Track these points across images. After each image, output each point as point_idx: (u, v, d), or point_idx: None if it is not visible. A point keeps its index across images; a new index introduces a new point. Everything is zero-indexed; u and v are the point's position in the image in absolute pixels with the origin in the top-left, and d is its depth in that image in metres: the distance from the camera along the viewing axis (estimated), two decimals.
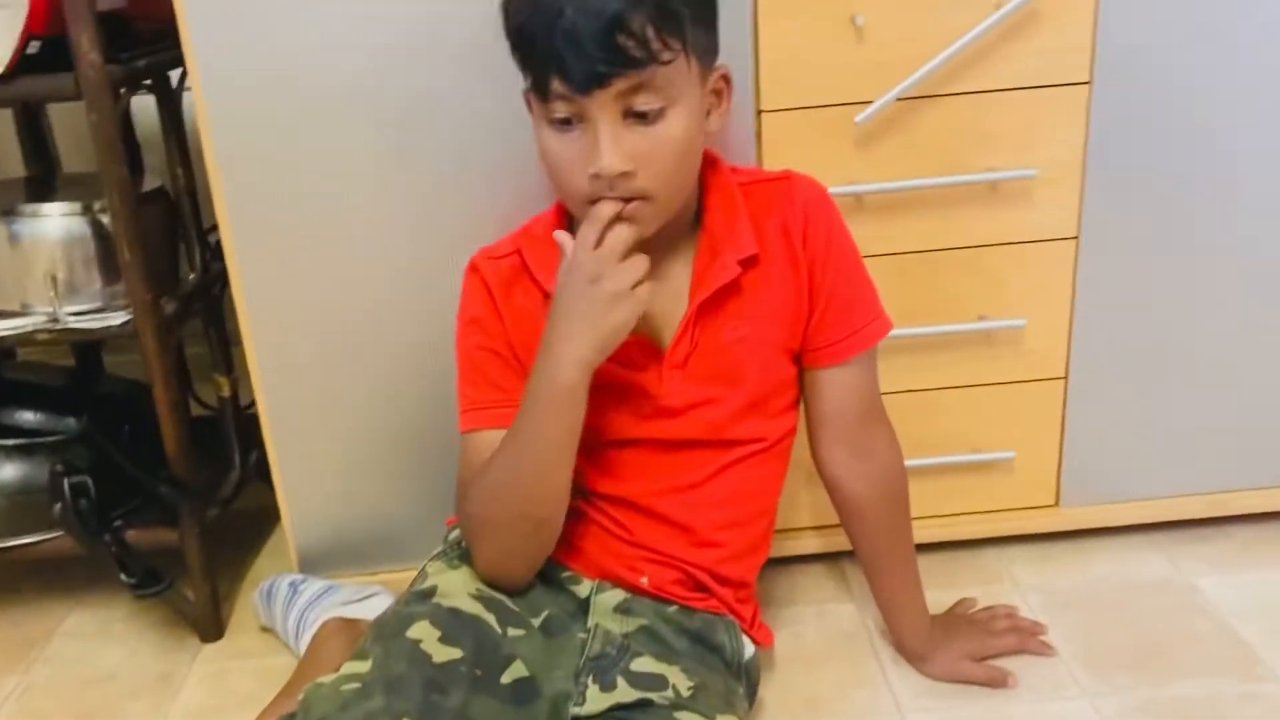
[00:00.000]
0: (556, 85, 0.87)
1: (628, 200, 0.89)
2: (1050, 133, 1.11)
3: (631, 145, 0.88)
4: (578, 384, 0.89)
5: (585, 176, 0.89)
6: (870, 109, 1.07)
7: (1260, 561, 1.24)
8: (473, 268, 1.01)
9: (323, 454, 1.20)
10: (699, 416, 0.99)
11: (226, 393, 1.34)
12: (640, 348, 0.98)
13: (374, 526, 1.23)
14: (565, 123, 0.89)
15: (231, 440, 1.35)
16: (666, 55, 0.86)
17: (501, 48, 0.94)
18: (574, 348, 0.88)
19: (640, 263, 0.89)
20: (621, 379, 0.98)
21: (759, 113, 1.10)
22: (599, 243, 0.89)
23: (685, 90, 0.89)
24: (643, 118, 0.88)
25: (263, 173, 1.09)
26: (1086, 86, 1.09)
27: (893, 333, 1.05)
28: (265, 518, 1.41)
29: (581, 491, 1.02)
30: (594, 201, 0.90)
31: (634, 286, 0.89)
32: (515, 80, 0.93)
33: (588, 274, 0.88)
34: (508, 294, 0.99)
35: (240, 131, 1.08)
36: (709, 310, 0.98)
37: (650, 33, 0.85)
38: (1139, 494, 1.26)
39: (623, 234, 0.89)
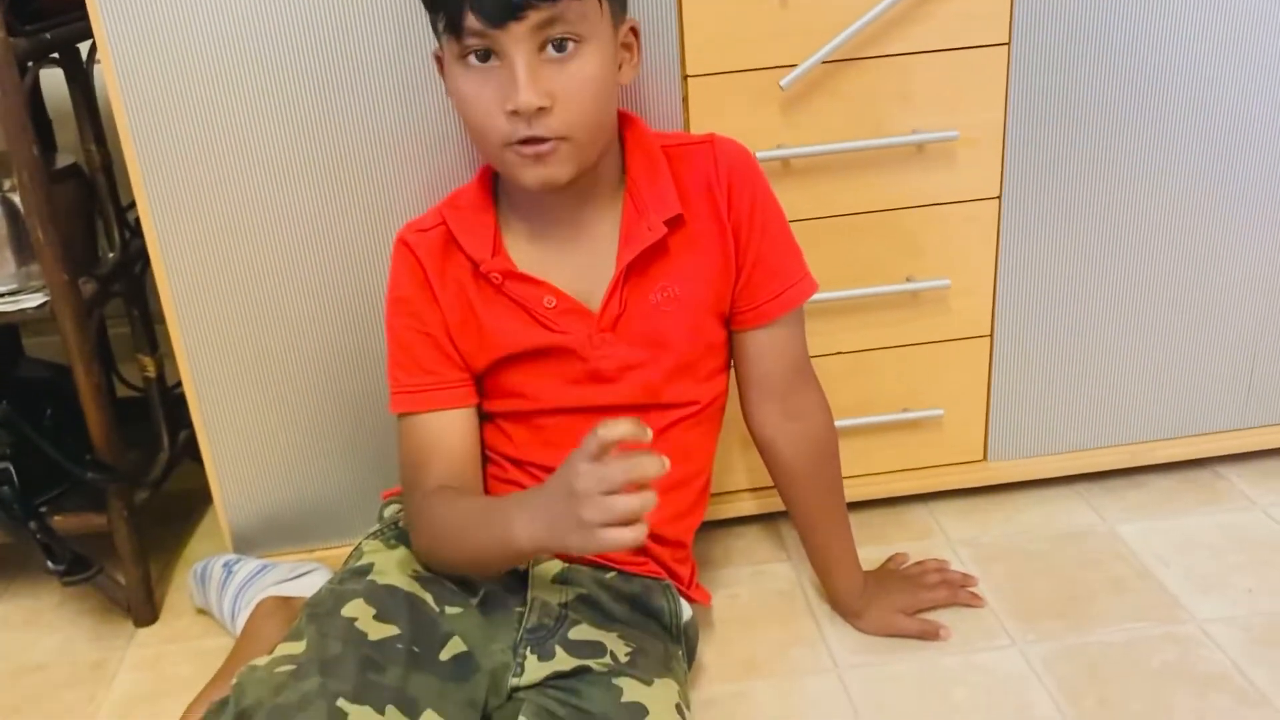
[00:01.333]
0: (470, 21, 0.86)
1: (544, 140, 0.88)
2: (972, 94, 1.12)
3: (548, 81, 0.87)
4: (527, 554, 0.89)
5: (502, 116, 0.88)
6: (794, 72, 1.08)
7: (1178, 509, 1.28)
8: (401, 243, 1.00)
9: (253, 432, 1.18)
10: (632, 380, 0.99)
11: (152, 373, 1.32)
12: (571, 311, 0.97)
13: (308, 503, 1.22)
14: (480, 58, 0.88)
15: (159, 421, 1.33)
16: None
17: (418, 14, 0.92)
18: (532, 532, 0.85)
19: (624, 505, 0.78)
20: (554, 344, 0.98)
21: (685, 77, 1.09)
22: (601, 454, 0.79)
23: (598, 30, 0.89)
24: (559, 50, 0.87)
25: (179, 146, 1.07)
26: (1005, 47, 1.11)
27: (821, 295, 1.07)
28: (197, 498, 1.39)
29: (518, 462, 1.02)
30: (513, 145, 0.89)
31: (610, 524, 0.78)
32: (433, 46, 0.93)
33: (573, 486, 0.79)
34: (440, 267, 0.98)
35: (154, 104, 1.05)
36: (636, 272, 0.98)
37: None
38: (1064, 447, 1.29)
39: (636, 468, 0.78)
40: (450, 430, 0.98)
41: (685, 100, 1.10)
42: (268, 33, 1.03)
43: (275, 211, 1.10)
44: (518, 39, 0.86)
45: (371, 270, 1.11)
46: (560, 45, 0.87)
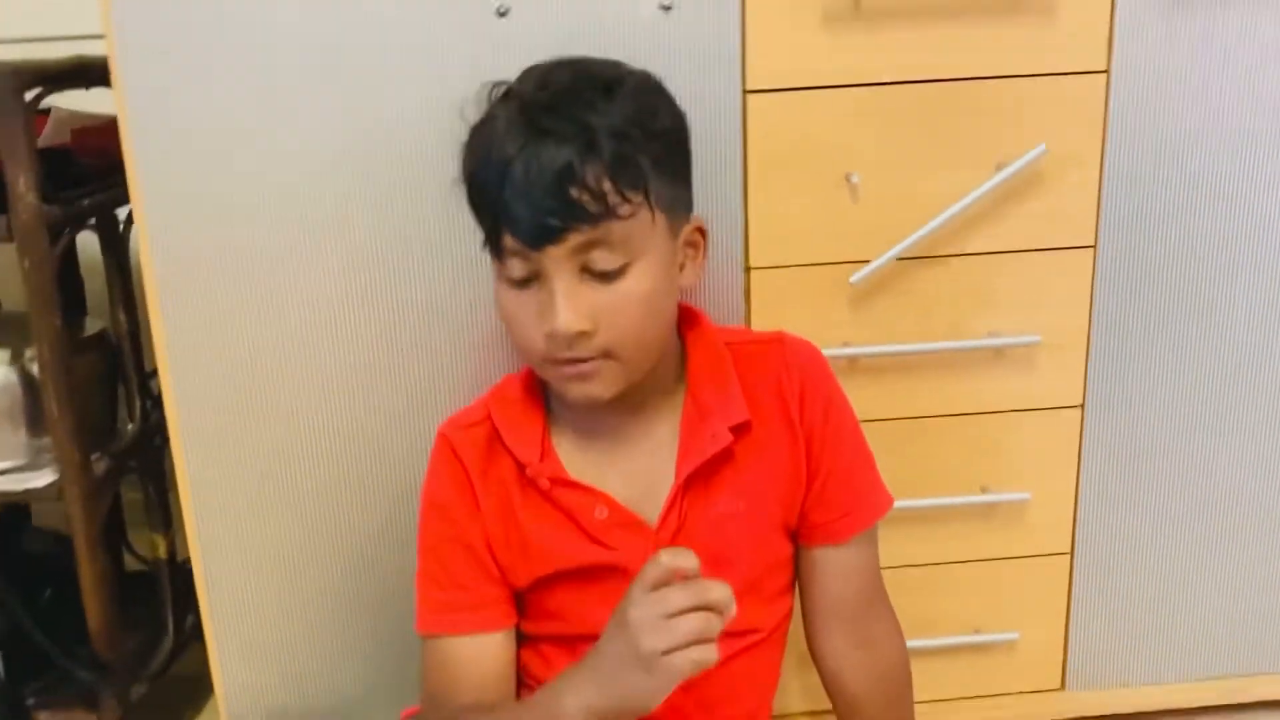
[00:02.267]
0: (508, 241, 0.81)
1: (587, 359, 0.83)
2: (1054, 297, 1.06)
3: (590, 302, 0.82)
4: None
5: (541, 335, 0.82)
6: (867, 269, 1.02)
7: None
8: (442, 439, 0.92)
9: (263, 625, 1.08)
10: None
11: (162, 553, 1.23)
12: (624, 524, 0.89)
13: (317, 704, 1.11)
14: (522, 282, 0.83)
15: (166, 604, 1.24)
16: (624, 209, 0.80)
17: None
18: (583, 698, 0.76)
19: (689, 625, 0.71)
20: (605, 562, 0.89)
21: (748, 269, 1.04)
22: (664, 583, 0.73)
23: (649, 245, 0.83)
24: (602, 276, 0.82)
25: (209, 316, 1.00)
26: (1091, 250, 1.05)
27: None
28: (198, 685, 1.29)
29: None
30: (552, 362, 0.83)
31: (674, 649, 0.71)
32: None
33: (628, 616, 0.73)
34: (484, 468, 0.90)
35: (185, 274, 0.99)
36: (698, 482, 0.90)
37: (606, 185, 0.79)
38: (1150, 678, 1.18)
39: (696, 623, 0.71)
40: (483, 656, 0.88)
41: (747, 293, 1.04)
42: (309, 208, 0.99)
43: (306, 394, 1.03)
44: (557, 261, 0.81)
45: (406, 463, 1.04)
46: (603, 271, 0.82)
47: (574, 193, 0.78)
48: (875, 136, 1.01)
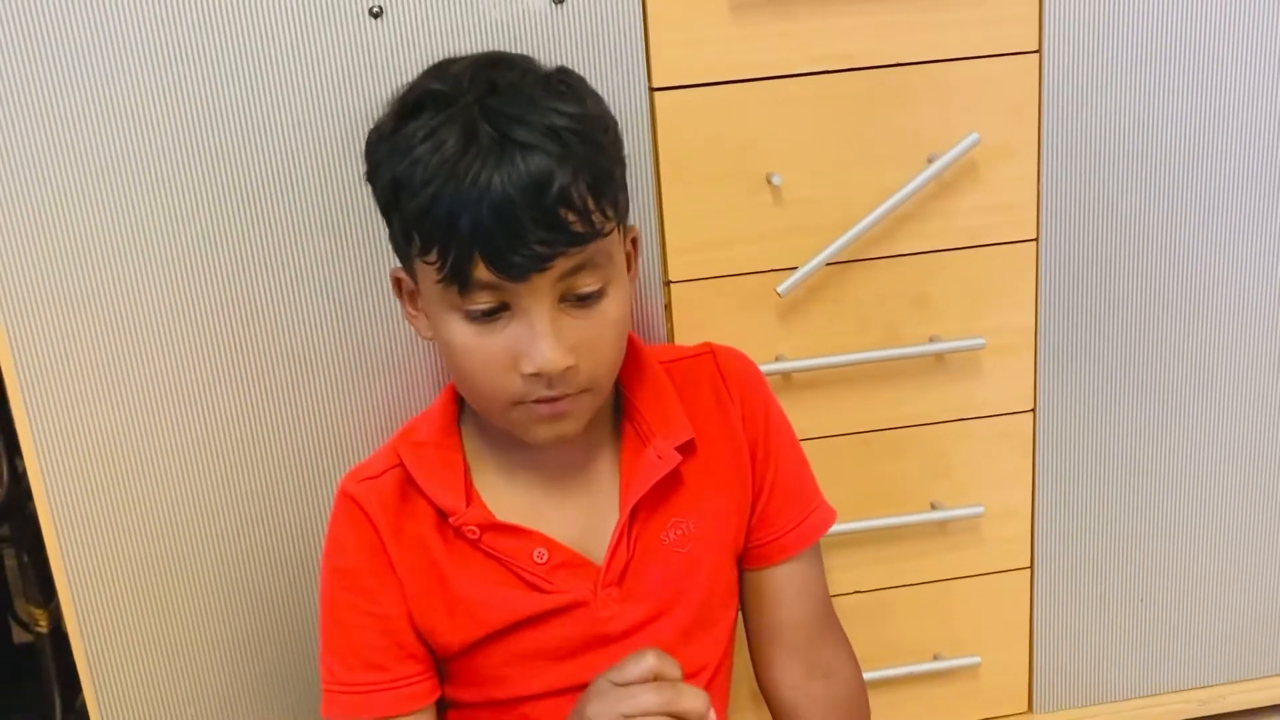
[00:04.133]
0: (482, 273, 0.71)
1: (561, 398, 0.75)
2: (997, 296, 0.99)
3: (572, 334, 0.74)
4: None
5: (514, 376, 0.74)
6: (794, 277, 0.94)
7: None
8: (344, 497, 0.82)
9: (151, 703, 0.98)
10: (640, 642, 0.82)
11: (44, 627, 1.12)
12: (566, 564, 0.81)
13: None
14: (487, 314, 0.74)
15: (51, 684, 1.12)
16: (608, 226, 0.74)
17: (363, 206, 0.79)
18: None
19: (655, 697, 0.69)
20: (547, 608, 0.81)
21: (667, 283, 0.96)
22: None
23: (618, 262, 0.77)
24: (582, 301, 0.74)
25: (64, 375, 0.89)
26: (1034, 244, 0.98)
27: (834, 528, 0.91)
28: None
29: None
30: (523, 403, 0.75)
31: None
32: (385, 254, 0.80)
33: (586, 714, 0.70)
34: (396, 524, 0.81)
35: (33, 327, 0.88)
36: (645, 510, 0.82)
37: (590, 202, 0.72)
38: (1122, 693, 1.12)
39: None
40: None
41: (668, 308, 0.96)
42: (167, 246, 0.88)
43: (180, 454, 0.92)
44: (538, 291, 0.72)
45: (302, 528, 0.94)
46: (585, 295, 0.74)
47: (563, 214, 0.70)
48: (796, 133, 0.93)
